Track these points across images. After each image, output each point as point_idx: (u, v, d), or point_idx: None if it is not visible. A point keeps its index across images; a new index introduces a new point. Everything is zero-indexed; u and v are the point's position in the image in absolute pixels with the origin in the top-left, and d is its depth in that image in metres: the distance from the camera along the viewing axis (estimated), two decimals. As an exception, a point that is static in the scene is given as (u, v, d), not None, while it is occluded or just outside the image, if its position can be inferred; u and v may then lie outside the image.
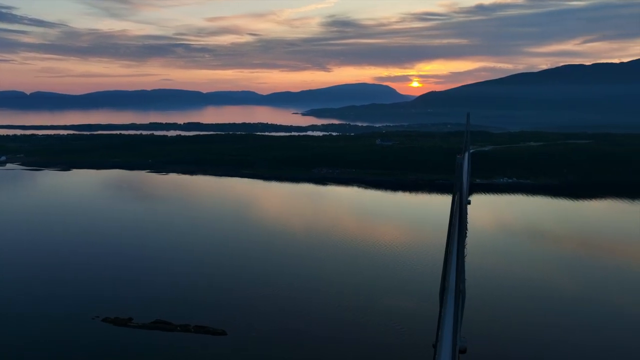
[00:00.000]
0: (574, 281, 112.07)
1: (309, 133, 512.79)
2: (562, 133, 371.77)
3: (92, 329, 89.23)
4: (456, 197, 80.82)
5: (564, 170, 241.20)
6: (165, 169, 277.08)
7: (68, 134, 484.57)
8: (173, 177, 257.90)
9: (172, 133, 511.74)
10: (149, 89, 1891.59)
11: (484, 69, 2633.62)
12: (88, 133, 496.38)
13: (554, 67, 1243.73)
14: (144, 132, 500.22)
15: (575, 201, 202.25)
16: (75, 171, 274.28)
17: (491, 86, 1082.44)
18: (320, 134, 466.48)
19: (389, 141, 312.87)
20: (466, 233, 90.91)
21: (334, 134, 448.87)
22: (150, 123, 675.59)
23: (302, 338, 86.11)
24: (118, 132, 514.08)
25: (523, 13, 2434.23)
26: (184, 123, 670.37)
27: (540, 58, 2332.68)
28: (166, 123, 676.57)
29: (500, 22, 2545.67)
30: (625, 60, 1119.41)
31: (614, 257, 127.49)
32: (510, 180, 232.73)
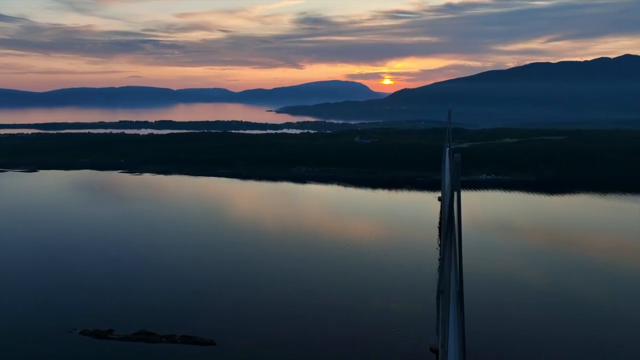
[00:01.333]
0: (555, 275, 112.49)
1: (285, 131, 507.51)
2: (535, 129, 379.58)
3: (69, 343, 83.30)
4: (454, 196, 78.62)
5: (540, 167, 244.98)
6: (139, 168, 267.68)
7: (33, 133, 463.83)
8: (148, 177, 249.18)
9: (143, 131, 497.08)
10: (117, 86, 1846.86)
11: (454, 67, 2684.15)
12: (54, 132, 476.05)
13: (520, 65, 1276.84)
14: (114, 131, 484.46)
15: (554, 197, 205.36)
16: (42, 172, 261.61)
17: (462, 83, 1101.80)
18: (297, 131, 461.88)
19: (368, 139, 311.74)
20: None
21: (311, 131, 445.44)
22: (120, 121, 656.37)
23: (296, 345, 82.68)
24: (87, 130, 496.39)
25: (490, 12, 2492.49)
26: (156, 121, 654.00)
27: (508, 56, 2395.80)
28: (137, 121, 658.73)
29: (469, 20, 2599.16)
30: (588, 58, 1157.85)
31: (591, 251, 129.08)
32: (489, 177, 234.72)
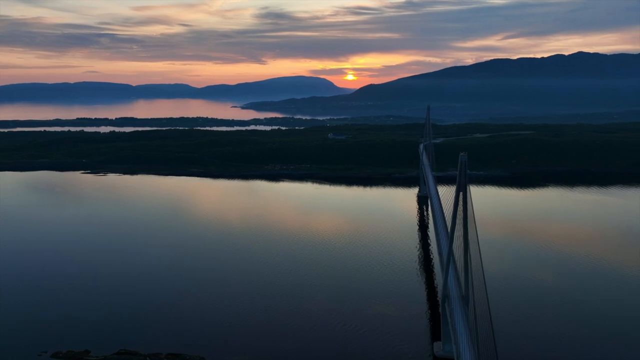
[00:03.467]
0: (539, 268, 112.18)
1: (253, 127, 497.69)
2: (503, 124, 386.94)
3: (40, 368, 74.84)
4: (459, 197, 75.20)
5: (512, 161, 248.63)
6: (102, 168, 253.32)
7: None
8: (113, 178, 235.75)
9: (104, 129, 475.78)
10: (71, 81, 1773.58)
11: (415, 63, 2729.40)
12: (5, 130, 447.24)
13: (479, 61, 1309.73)
14: (72, 129, 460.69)
15: (529, 190, 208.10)
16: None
17: (426, 79, 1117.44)
18: (266, 128, 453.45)
19: (342, 135, 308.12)
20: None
21: (282, 128, 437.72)
22: (78, 118, 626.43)
23: (290, 357, 77.37)
24: (42, 128, 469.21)
25: (449, 9, 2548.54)
26: (116, 118, 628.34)
27: (466, 52, 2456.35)
28: (95, 118, 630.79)
29: (429, 17, 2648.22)
30: (542, 55, 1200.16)
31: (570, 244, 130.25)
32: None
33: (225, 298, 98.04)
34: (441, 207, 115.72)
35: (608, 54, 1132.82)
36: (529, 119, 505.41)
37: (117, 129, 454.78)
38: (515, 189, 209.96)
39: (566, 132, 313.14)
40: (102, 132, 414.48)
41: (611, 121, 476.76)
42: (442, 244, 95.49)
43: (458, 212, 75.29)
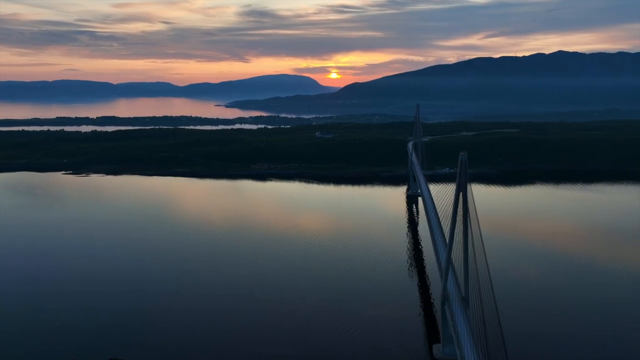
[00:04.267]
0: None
1: (238, 126, 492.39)
2: (490, 123, 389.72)
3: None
4: (459, 197, 74.04)
5: (499, 159, 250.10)
6: (85, 169, 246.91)
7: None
8: (96, 178, 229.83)
9: (85, 128, 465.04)
10: (50, 79, 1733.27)
11: (398, 61, 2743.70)
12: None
13: (461, 60, 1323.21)
14: (52, 128, 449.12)
15: (517, 188, 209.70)
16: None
17: (410, 78, 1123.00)
18: (251, 127, 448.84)
19: (329, 134, 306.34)
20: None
21: (268, 126, 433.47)
22: (57, 118, 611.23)
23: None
24: (19, 128, 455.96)
25: (431, 8, 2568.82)
26: (97, 117, 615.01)
27: (448, 51, 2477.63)
28: (76, 117, 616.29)
29: (411, 16, 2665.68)
30: (522, 54, 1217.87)
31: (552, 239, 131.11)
32: (452, 170, 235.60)
33: (216, 302, 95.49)
34: (435, 207, 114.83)
35: (587, 53, 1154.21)
36: (513, 117, 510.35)
37: (99, 128, 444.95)
38: (504, 187, 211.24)
39: (551, 130, 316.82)
40: (83, 131, 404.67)
41: (591, 119, 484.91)
42: (438, 245, 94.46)
43: (458, 212, 74.07)
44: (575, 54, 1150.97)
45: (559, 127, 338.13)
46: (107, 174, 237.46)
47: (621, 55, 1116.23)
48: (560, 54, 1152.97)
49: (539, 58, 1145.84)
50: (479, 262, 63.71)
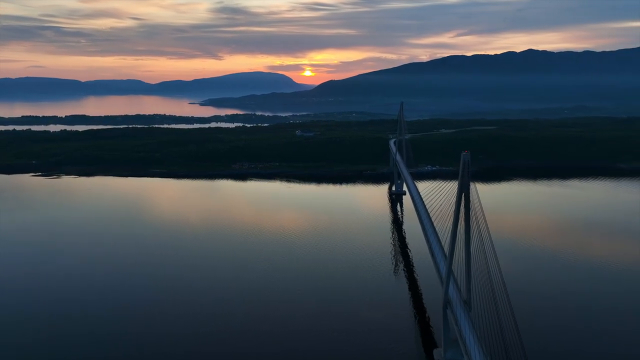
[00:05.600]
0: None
1: (214, 124, 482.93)
2: (467, 120, 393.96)
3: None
4: (462, 198, 72.17)
5: (479, 157, 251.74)
6: (56, 170, 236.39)
7: None
8: (68, 180, 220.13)
9: (53, 127, 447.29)
10: (13, 76, 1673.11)
11: (371, 59, 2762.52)
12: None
13: (433, 58, 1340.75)
14: (18, 127, 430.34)
15: (498, 185, 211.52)
16: None
17: (385, 75, 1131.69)
18: (229, 125, 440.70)
19: (310, 132, 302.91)
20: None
21: (247, 125, 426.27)
22: (23, 116, 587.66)
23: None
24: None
25: (404, 6, 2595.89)
26: (66, 116, 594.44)
27: (421, 49, 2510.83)
28: (44, 116, 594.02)
29: (384, 14, 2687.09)
30: (492, 52, 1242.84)
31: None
32: (434, 168, 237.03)
33: (202, 305, 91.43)
34: (426, 208, 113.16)
35: (555, 52, 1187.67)
36: (488, 114, 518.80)
37: (69, 128, 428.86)
38: (485, 183, 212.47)
39: (527, 127, 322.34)
40: (52, 130, 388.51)
41: (562, 116, 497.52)
42: (433, 247, 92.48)
43: (461, 214, 72.25)
44: (544, 52, 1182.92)
45: (535, 124, 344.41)
46: (80, 175, 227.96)
47: (587, 54, 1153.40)
48: (530, 52, 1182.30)
49: (510, 56, 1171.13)
50: (490, 265, 61.78)
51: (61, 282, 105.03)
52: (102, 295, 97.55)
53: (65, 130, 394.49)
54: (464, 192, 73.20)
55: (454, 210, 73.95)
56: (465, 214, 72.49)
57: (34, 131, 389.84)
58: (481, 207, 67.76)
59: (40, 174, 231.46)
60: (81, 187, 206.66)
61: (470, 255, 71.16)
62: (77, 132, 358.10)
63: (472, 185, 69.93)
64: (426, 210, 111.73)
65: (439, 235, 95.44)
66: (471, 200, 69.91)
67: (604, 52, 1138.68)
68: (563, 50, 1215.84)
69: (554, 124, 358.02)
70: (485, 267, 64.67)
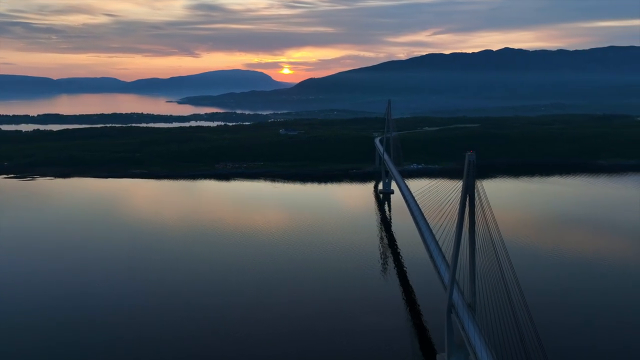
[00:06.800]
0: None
1: (193, 123, 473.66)
2: (450, 118, 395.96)
3: None
4: (467, 199, 70.22)
5: (464, 154, 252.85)
6: (30, 172, 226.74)
7: None
8: (44, 182, 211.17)
9: (25, 127, 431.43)
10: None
11: (349, 57, 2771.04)
12: None
13: (410, 56, 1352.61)
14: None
15: (483, 182, 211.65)
16: None
17: (365, 73, 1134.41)
18: (209, 124, 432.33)
19: (294, 131, 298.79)
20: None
21: (229, 124, 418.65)
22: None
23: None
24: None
25: (381, 5, 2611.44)
26: (38, 115, 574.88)
27: (398, 47, 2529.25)
28: (14, 115, 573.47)
29: (362, 12, 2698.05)
30: (469, 50, 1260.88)
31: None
32: (419, 166, 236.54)
33: (192, 310, 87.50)
34: (420, 208, 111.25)
35: (530, 50, 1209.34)
36: (467, 112, 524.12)
37: (41, 127, 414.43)
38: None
39: (508, 125, 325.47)
40: (24, 130, 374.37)
41: (539, 113, 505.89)
42: (432, 250, 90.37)
43: (465, 216, 70.27)
44: (520, 50, 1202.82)
45: (515, 122, 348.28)
46: (56, 177, 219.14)
47: (561, 53, 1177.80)
48: (506, 50, 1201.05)
49: (487, 54, 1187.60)
50: (503, 269, 59.72)
51: (39, 288, 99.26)
52: (82, 302, 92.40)
53: (38, 129, 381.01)
54: (468, 193, 71.37)
55: (458, 212, 72.01)
56: (470, 216, 70.64)
57: (5, 131, 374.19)
58: (490, 208, 65.58)
59: (13, 175, 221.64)
60: (58, 189, 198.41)
61: (475, 258, 69.32)
62: (51, 131, 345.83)
63: (478, 184, 68.12)
64: (420, 211, 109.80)
65: (435, 236, 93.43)
66: (477, 201, 68.03)
67: (576, 51, 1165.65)
68: (538, 49, 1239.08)
69: (533, 120, 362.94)
70: (494, 270, 62.73)
